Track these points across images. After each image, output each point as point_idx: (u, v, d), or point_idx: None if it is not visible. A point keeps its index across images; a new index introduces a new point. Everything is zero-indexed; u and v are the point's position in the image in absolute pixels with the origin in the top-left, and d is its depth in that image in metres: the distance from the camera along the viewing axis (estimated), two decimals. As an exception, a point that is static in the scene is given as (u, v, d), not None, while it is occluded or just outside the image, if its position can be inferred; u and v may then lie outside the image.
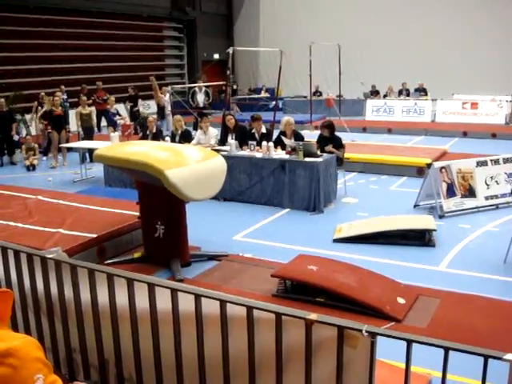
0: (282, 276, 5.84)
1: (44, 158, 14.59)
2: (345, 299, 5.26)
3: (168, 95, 16.58)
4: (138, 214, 7.04)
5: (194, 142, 10.43)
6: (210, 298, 2.65)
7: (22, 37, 19.45)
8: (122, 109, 17.54)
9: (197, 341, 2.77)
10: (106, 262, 6.43)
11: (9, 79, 18.77)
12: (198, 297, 2.67)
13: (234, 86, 23.92)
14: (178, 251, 6.60)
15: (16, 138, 14.62)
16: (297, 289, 5.71)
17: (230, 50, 13.36)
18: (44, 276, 3.19)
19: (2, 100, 14.53)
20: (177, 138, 10.67)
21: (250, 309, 2.56)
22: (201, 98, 16.85)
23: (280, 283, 5.86)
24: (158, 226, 6.57)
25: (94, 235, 6.82)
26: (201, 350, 2.79)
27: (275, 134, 10.87)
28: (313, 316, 2.49)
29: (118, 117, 15.54)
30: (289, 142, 9.65)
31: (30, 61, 19.74)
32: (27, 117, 16.37)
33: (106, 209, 7.99)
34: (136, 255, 6.83)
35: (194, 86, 17.43)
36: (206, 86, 17.53)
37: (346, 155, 10.28)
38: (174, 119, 11.24)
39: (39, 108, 15.35)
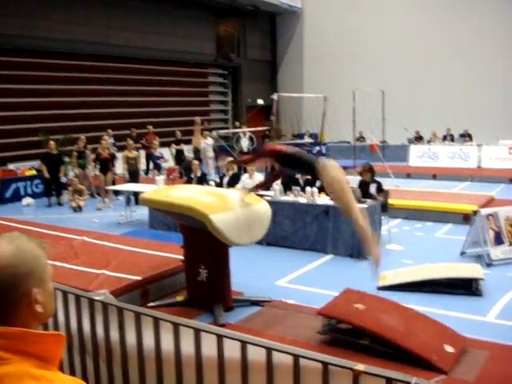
0: (327, 315, 5.75)
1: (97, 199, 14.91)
2: (390, 344, 5.13)
3: (210, 139, 16.79)
4: (181, 257, 7.08)
5: (239, 185, 10.50)
6: (256, 345, 2.62)
7: (76, 83, 20.16)
8: (167, 152, 17.83)
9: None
10: (149, 305, 6.45)
11: (60, 122, 19.38)
12: (244, 344, 2.65)
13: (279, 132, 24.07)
14: (220, 296, 6.57)
15: (63, 180, 14.99)
16: (342, 328, 5.60)
17: (275, 97, 13.53)
18: (91, 317, 3.22)
19: (53, 142, 14.97)
20: (226, 180, 10.78)
21: (296, 357, 2.53)
22: (245, 143, 17.03)
23: (325, 320, 5.76)
24: (201, 270, 6.58)
25: (138, 277, 6.86)
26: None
27: (319, 179, 10.87)
28: (360, 367, 2.44)
29: (161, 160, 15.81)
30: (333, 187, 9.61)
31: (81, 106, 20.38)
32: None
33: (150, 251, 8.05)
34: (179, 298, 6.83)
35: (238, 131, 17.63)
36: (250, 131, 17.72)
37: (390, 201, 10.19)
38: (227, 161, 11.37)
39: (87, 151, 15.74)
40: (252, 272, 8.12)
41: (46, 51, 19.18)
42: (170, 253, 7.77)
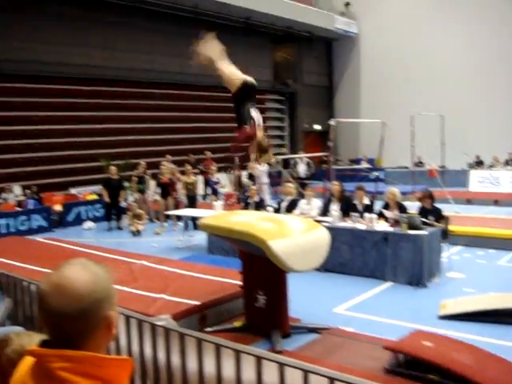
0: (395, 349, 5.62)
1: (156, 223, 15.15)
2: (461, 380, 4.95)
3: (264, 165, 16.80)
4: (240, 282, 7.09)
5: (296, 211, 10.50)
6: (318, 374, 2.59)
7: (137, 110, 20.72)
8: (225, 178, 18.00)
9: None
10: (207, 330, 6.47)
11: (120, 148, 19.88)
12: (306, 372, 2.63)
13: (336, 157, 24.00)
14: (278, 322, 6.54)
15: (123, 204, 15.32)
16: (410, 364, 5.46)
17: (333, 122, 13.51)
18: (153, 342, 3.25)
19: (114, 168, 15.35)
20: (284, 204, 10.80)
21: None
22: (302, 169, 17.03)
23: (392, 357, 5.62)
24: (259, 296, 6.57)
25: (197, 302, 6.89)
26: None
27: (377, 205, 10.76)
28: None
29: (218, 185, 15.95)
30: (391, 214, 9.51)
31: (141, 131, 20.87)
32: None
33: (208, 276, 8.10)
34: (237, 324, 6.82)
35: (296, 157, 17.65)
36: (308, 157, 17.72)
37: (450, 228, 9.96)
38: (287, 186, 11.40)
39: (146, 177, 16.05)
40: (310, 299, 8.05)
41: (105, 79, 19.76)
42: (229, 278, 7.79)
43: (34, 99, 18.10)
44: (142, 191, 15.83)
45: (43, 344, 1.52)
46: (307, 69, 28.92)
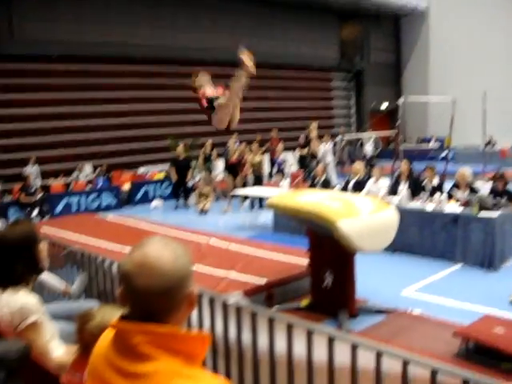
0: (466, 336, 5.50)
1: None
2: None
3: (329, 144, 16.62)
4: (306, 262, 7.08)
5: (364, 191, 10.38)
6: (392, 355, 2.56)
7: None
8: (291, 157, 17.95)
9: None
10: (275, 308, 6.50)
11: (188, 127, 20.09)
12: (379, 354, 2.60)
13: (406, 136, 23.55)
14: (345, 302, 6.50)
15: (191, 184, 15.50)
16: (481, 351, 5.33)
17: (401, 100, 13.22)
18: (224, 319, 3.29)
19: (181, 147, 15.55)
20: (352, 184, 10.70)
21: (434, 372, 2.44)
22: (369, 148, 16.79)
23: (462, 344, 5.50)
24: (326, 276, 6.54)
25: (264, 281, 6.93)
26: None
27: (447, 185, 10.50)
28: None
29: (284, 164, 15.91)
30: (462, 195, 9.26)
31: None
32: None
33: (275, 255, 8.12)
34: (303, 303, 6.83)
35: (363, 136, 17.41)
36: (375, 136, 17.45)
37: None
38: (355, 165, 11.28)
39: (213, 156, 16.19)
40: (377, 279, 7.96)
41: (177, 59, 19.94)
42: (295, 257, 7.79)
43: (100, 80, 18.48)
44: (209, 170, 15.96)
45: (123, 318, 1.56)
46: (375, 46, 28.35)
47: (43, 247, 3.04)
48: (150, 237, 1.61)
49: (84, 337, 2.48)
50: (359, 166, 11.17)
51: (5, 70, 16.43)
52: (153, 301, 1.49)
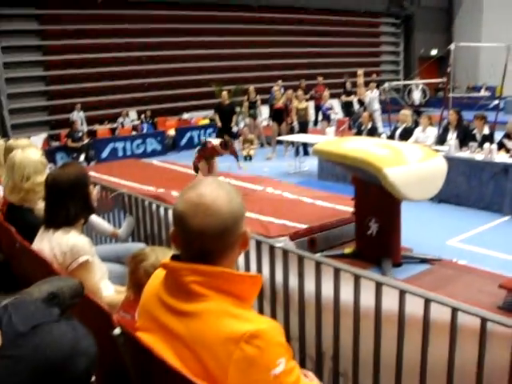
0: (510, 288, 5.42)
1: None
2: None
3: (375, 91, 16.25)
4: (351, 209, 7.05)
5: (411, 139, 10.19)
6: (440, 303, 2.55)
7: (247, 34, 20.58)
8: (336, 104, 17.69)
9: (421, 347, 2.69)
10: (317, 255, 6.52)
11: (232, 73, 19.96)
12: (427, 301, 2.59)
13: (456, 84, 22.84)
14: (389, 251, 6.49)
15: (235, 129, 15.44)
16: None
17: (452, 46, 12.78)
18: (271, 263, 3.32)
19: (225, 93, 15.46)
20: (398, 132, 10.52)
21: (484, 320, 2.42)
22: (417, 96, 16.37)
23: (508, 296, 5.44)
24: (371, 224, 6.51)
25: (306, 226, 6.94)
26: (425, 356, 2.70)
27: (497, 135, 10.21)
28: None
29: (331, 111, 15.66)
30: (513, 145, 9.02)
31: (254, 57, 20.81)
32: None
33: (318, 201, 8.11)
34: (347, 250, 6.83)
35: (410, 83, 16.97)
36: (423, 84, 16.98)
37: None
38: (402, 113, 11.06)
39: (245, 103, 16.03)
40: (422, 229, 7.88)
41: (218, 4, 19.65)
42: (339, 204, 7.78)
43: (145, 26, 18.39)
44: (253, 116, 15.87)
45: (175, 259, 1.57)
46: (425, -11, 27.35)
47: (92, 190, 3.09)
48: (202, 179, 1.61)
49: (137, 276, 2.52)
50: (406, 114, 10.94)
51: (49, 15, 16.50)
52: (207, 241, 1.50)
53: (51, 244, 2.82)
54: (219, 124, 15.02)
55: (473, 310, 2.48)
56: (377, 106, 15.88)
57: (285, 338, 1.51)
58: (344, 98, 18.09)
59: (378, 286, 2.80)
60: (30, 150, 3.62)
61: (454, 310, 2.53)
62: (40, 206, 3.37)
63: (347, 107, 17.78)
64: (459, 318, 2.58)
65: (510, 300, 5.37)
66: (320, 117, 16.67)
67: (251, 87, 16.38)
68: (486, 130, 9.88)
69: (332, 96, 17.44)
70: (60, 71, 16.85)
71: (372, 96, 15.89)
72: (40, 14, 16.37)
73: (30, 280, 2.27)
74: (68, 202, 2.86)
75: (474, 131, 9.91)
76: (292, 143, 13.59)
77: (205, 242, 1.49)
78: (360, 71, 14.95)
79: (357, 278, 2.89)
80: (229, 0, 19.80)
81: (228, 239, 1.52)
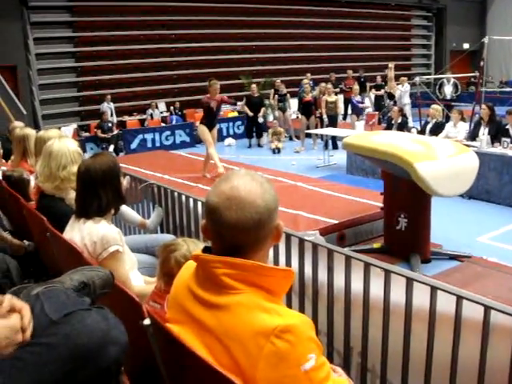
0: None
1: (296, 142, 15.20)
2: None
3: (406, 85, 16.04)
4: (379, 204, 6.99)
5: (442, 134, 10.07)
6: (472, 301, 2.51)
7: (275, 27, 20.54)
8: (367, 98, 17.54)
9: (452, 345, 2.65)
10: (345, 250, 6.49)
11: (261, 66, 19.93)
12: (459, 298, 2.55)
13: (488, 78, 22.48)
14: (419, 246, 6.42)
15: (261, 120, 15.36)
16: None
17: (486, 40, 12.58)
18: (300, 257, 3.30)
19: (255, 86, 15.44)
20: (429, 127, 10.40)
21: (517, 319, 2.38)
22: (448, 90, 16.15)
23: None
24: (400, 219, 6.45)
25: (336, 221, 6.91)
26: (455, 354, 2.66)
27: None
28: None
29: (361, 105, 15.50)
30: (548, 141, 8.86)
31: (282, 49, 20.74)
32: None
33: (347, 196, 8.06)
34: (375, 245, 6.79)
35: (442, 77, 16.74)
36: (455, 78, 16.74)
37: None
38: (433, 107, 10.94)
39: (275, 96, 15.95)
40: (452, 225, 7.78)
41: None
42: (368, 199, 7.72)
43: (174, 17, 18.45)
44: (283, 109, 15.81)
45: (206, 251, 1.56)
46: (458, -18, 26.90)
47: (122, 180, 3.10)
48: (234, 170, 1.59)
49: (168, 266, 2.52)
50: (437, 109, 10.81)
51: (80, 7, 16.64)
52: (240, 234, 1.48)
53: (82, 233, 2.84)
54: (250, 113, 14.97)
55: (506, 309, 2.44)
56: (407, 100, 15.68)
57: (315, 334, 1.49)
58: (374, 91, 17.92)
59: (409, 282, 2.76)
60: (67, 139, 3.67)
61: (487, 309, 2.49)
62: (71, 195, 3.40)
63: (378, 101, 17.60)
64: (492, 316, 2.54)
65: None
66: (350, 110, 16.54)
67: (278, 80, 16.33)
68: (519, 126, 9.71)
69: (363, 90, 17.32)
70: (90, 62, 17.01)
71: (403, 90, 15.71)
72: (71, 6, 16.52)
73: (61, 269, 2.29)
74: (100, 192, 2.88)
75: (507, 126, 9.74)
76: (321, 136, 13.53)
77: (238, 235, 1.48)
78: (391, 64, 14.77)
79: (387, 274, 2.86)
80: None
81: (261, 232, 1.51)
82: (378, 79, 18.17)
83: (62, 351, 1.26)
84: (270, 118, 16.96)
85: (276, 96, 15.74)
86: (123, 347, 1.37)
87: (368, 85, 18.86)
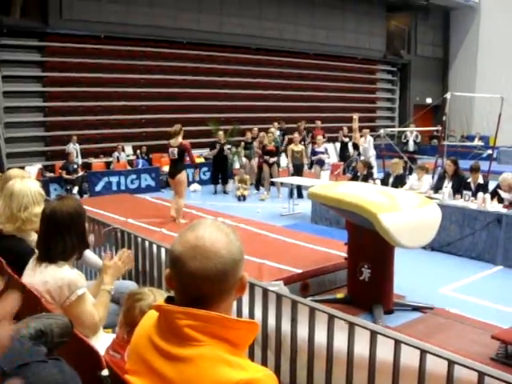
0: (504, 339, 5.35)
1: (254, 192, 15.26)
2: None
3: (368, 137, 16.27)
4: (343, 254, 7.02)
5: (406, 186, 10.22)
6: (436, 355, 2.50)
7: (246, 76, 20.86)
8: (331, 148, 17.78)
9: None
10: (309, 300, 6.45)
11: (229, 114, 20.11)
12: (423, 352, 2.54)
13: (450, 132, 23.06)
14: (382, 297, 6.43)
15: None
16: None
17: (448, 95, 12.96)
18: (264, 307, 3.26)
19: (222, 133, 15.55)
20: (391, 180, 10.54)
21: (481, 375, 2.37)
22: (411, 143, 16.55)
23: (500, 347, 5.37)
24: (364, 269, 6.47)
25: (300, 270, 6.89)
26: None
27: (490, 184, 10.25)
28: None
29: (323, 155, 15.56)
30: (507, 195, 9.04)
31: (249, 98, 20.99)
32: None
33: (312, 245, 8.07)
34: (339, 296, 6.78)
35: (406, 130, 17.14)
36: (418, 131, 17.17)
37: None
38: (392, 162, 11.09)
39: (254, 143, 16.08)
40: (414, 277, 7.84)
41: (217, 45, 19.91)
42: (332, 249, 7.75)
43: (144, 62, 18.60)
44: (249, 157, 15.92)
45: (168, 301, 1.53)
46: (422, 39, 27.76)
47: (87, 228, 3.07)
48: (200, 220, 1.57)
49: (132, 315, 2.47)
50: (397, 163, 10.95)
51: (51, 48, 16.66)
52: (204, 285, 1.46)
53: (44, 278, 2.77)
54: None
55: (469, 364, 2.43)
56: (372, 152, 15.94)
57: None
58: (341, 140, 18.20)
59: (373, 335, 2.75)
60: (29, 180, 3.60)
61: (451, 363, 2.48)
62: (33, 237, 3.33)
63: (342, 151, 17.85)
64: (455, 371, 2.53)
65: (503, 351, 5.31)
66: (315, 160, 16.69)
67: (254, 129, 16.48)
68: (481, 180, 9.92)
69: (328, 140, 17.56)
70: (58, 103, 16.93)
71: (366, 143, 16.00)
72: (42, 46, 16.52)
73: (18, 315, 2.21)
74: (65, 236, 2.83)
75: (469, 180, 9.95)
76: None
77: (202, 285, 1.45)
78: (355, 116, 15.05)
79: (351, 326, 2.84)
80: (228, 41, 20.04)
81: (225, 283, 1.48)
82: (345, 130, 18.46)
83: None
84: (236, 165, 17.03)
85: (242, 143, 15.87)
86: None
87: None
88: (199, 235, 1.47)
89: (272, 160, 14.42)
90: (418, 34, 27.58)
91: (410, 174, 10.87)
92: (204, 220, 1.57)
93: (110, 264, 3.10)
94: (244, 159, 16.15)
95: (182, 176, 10.25)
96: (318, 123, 19.09)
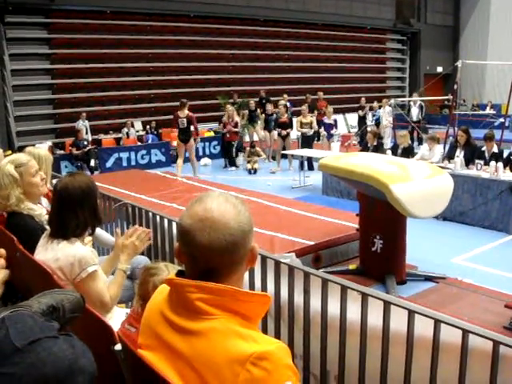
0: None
1: (266, 163, 15.21)
2: None
3: (387, 107, 16.20)
4: (355, 225, 6.99)
5: (417, 157, 10.13)
6: (451, 325, 2.48)
7: (254, 48, 20.69)
8: (342, 119, 17.65)
9: (430, 368, 2.62)
10: (321, 271, 6.45)
11: (238, 87, 19.99)
12: (437, 322, 2.52)
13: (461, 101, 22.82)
14: (394, 268, 6.42)
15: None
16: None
17: (459, 64, 12.78)
18: (276, 279, 3.25)
19: (232, 108, 15.46)
20: (399, 152, 10.44)
21: (496, 343, 2.35)
22: (415, 112, 16.42)
23: (513, 314, 5.36)
24: (376, 240, 6.45)
25: (312, 242, 6.88)
26: (434, 378, 2.63)
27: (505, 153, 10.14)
28: None
29: (334, 129, 15.47)
30: (520, 163, 8.96)
31: (257, 70, 20.86)
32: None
33: (323, 217, 8.04)
34: (351, 267, 6.78)
35: (416, 100, 16.99)
36: (422, 100, 16.99)
37: None
38: (399, 134, 10.99)
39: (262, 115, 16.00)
40: (427, 246, 7.80)
41: (225, 17, 19.75)
42: (344, 220, 7.71)
43: (152, 36, 18.49)
44: (269, 129, 15.75)
45: (179, 275, 1.52)
46: (432, 7, 27.36)
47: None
48: (208, 192, 1.55)
49: (146, 289, 2.47)
50: (403, 135, 10.82)
51: (57, 24, 16.57)
52: (214, 257, 1.44)
53: (56, 254, 2.77)
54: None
55: (484, 333, 2.41)
56: (387, 122, 15.84)
57: (291, 361, 1.44)
58: (360, 113, 18.05)
59: (386, 306, 2.73)
60: (12, 157, 3.55)
61: (465, 332, 2.47)
62: (39, 212, 3.33)
63: (361, 122, 17.71)
64: (470, 340, 2.52)
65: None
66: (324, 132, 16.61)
67: (282, 101, 16.33)
68: (495, 149, 9.80)
69: (336, 111, 17.42)
70: (66, 80, 16.91)
71: (383, 112, 15.88)
72: (49, 23, 16.44)
73: (31, 291, 2.22)
74: (78, 211, 2.82)
75: (483, 148, 9.84)
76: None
77: (211, 258, 1.44)
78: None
79: (364, 297, 2.83)
80: (235, 13, 19.85)
81: (236, 255, 1.46)
82: (363, 101, 18.31)
83: (27, 382, 1.20)
84: (246, 137, 16.97)
85: (263, 116, 15.80)
86: (91, 376, 1.32)
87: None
88: (207, 207, 1.45)
89: (285, 132, 14.32)
90: (427, 2, 27.18)
91: (420, 143, 10.75)
92: (212, 192, 1.55)
93: (127, 243, 3.07)
94: (262, 132, 16.00)
95: (192, 140, 13.10)
96: (321, 94, 18.88)
